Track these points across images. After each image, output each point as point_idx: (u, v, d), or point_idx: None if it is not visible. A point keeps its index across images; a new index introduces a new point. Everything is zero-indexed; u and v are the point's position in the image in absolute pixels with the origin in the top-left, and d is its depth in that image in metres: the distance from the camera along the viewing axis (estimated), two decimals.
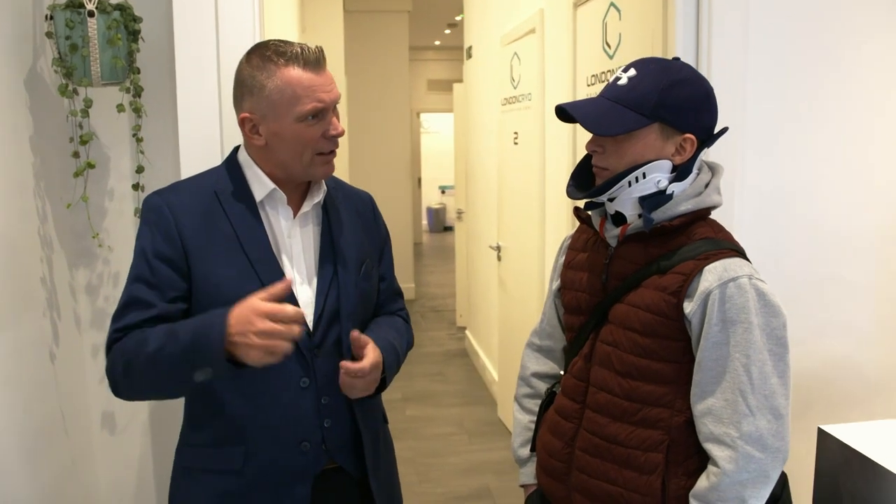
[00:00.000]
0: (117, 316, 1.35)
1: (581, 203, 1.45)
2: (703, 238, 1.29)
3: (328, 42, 5.92)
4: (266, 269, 1.37)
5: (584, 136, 1.45)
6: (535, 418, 1.58)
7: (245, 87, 1.35)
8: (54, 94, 1.82)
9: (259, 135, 1.36)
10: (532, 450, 1.57)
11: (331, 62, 1.38)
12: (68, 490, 1.88)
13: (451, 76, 10.74)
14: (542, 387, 1.60)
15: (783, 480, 1.34)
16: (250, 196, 1.41)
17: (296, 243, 1.43)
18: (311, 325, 1.40)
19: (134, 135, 1.91)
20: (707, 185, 1.34)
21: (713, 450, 1.25)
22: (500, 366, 4.27)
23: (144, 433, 2.05)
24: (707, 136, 1.33)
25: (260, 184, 1.41)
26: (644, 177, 1.30)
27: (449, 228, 12.73)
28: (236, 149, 1.47)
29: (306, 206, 1.44)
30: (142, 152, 1.93)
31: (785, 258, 1.96)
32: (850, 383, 2.02)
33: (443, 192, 13.38)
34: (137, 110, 1.87)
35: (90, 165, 1.87)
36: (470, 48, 5.36)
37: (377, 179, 6.93)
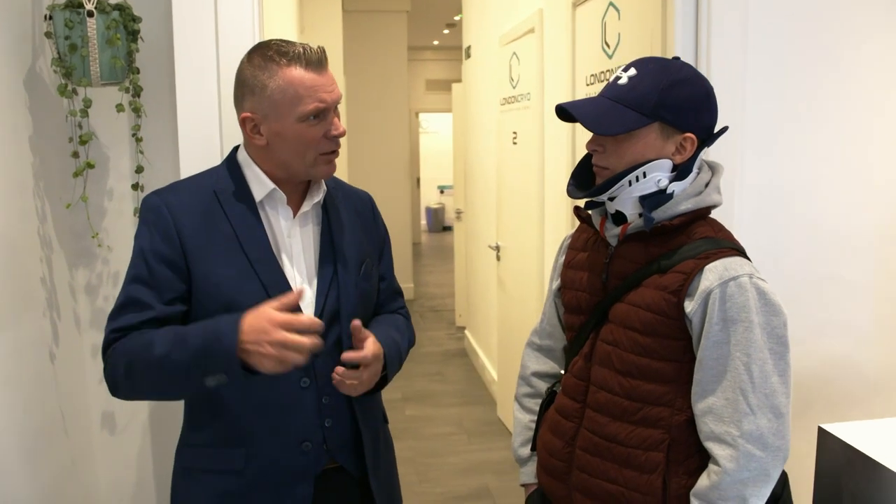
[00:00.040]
0: (114, 315, 1.34)
1: (581, 202, 1.45)
2: (703, 237, 1.30)
3: (327, 42, 5.90)
4: (266, 269, 1.36)
5: (584, 135, 1.45)
6: (535, 418, 1.58)
7: (246, 87, 1.35)
8: (54, 94, 1.82)
9: (260, 135, 1.36)
10: (532, 449, 1.57)
11: (330, 62, 1.39)
12: (68, 490, 1.88)
13: (449, 76, 10.74)
14: (543, 386, 1.60)
15: (784, 479, 1.34)
16: (250, 196, 1.40)
17: (295, 243, 1.43)
18: None
19: (133, 135, 1.91)
20: (707, 185, 1.34)
21: (714, 448, 1.25)
22: (500, 365, 4.26)
23: (144, 433, 2.05)
24: (707, 136, 1.33)
25: (260, 183, 1.40)
26: (644, 176, 1.30)
27: (448, 228, 12.72)
28: (236, 148, 1.47)
29: (306, 206, 1.44)
30: (141, 152, 1.93)
31: (784, 257, 1.96)
32: (849, 382, 2.02)
33: (441, 191, 13.39)
34: (137, 110, 1.87)
35: (90, 165, 1.87)
36: (469, 48, 5.36)
37: (376, 179, 6.93)
